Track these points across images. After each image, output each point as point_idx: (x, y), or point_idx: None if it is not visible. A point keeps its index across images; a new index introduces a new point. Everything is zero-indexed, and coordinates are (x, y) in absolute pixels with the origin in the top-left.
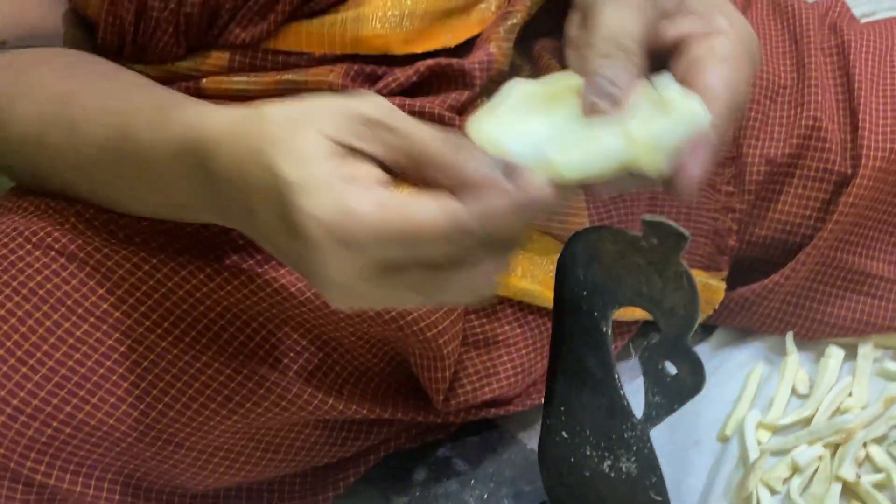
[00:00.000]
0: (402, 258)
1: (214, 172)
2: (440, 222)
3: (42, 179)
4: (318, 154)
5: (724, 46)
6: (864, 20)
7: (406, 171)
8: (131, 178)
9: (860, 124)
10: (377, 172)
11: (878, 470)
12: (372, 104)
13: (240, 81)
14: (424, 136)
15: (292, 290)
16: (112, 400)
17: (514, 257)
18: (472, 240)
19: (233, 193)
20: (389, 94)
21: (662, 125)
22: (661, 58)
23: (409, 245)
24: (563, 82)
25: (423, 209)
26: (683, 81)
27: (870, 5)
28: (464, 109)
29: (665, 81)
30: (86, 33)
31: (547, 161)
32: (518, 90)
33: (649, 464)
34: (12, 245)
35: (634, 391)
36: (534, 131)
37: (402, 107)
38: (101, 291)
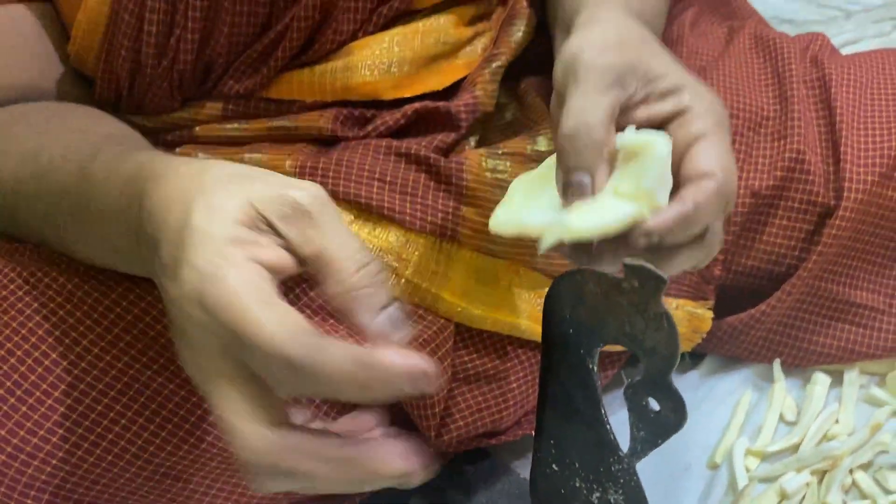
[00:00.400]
0: (230, 349)
1: (146, 207)
2: (278, 336)
3: (24, 236)
4: (234, 214)
5: (698, 125)
6: (848, 47)
7: (311, 267)
8: (84, 221)
9: (842, 156)
10: (278, 258)
11: (864, 496)
12: (310, 195)
13: (232, 128)
14: (346, 246)
15: None
16: (110, 437)
17: None
18: (292, 377)
19: (151, 224)
20: (378, 136)
21: (641, 170)
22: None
23: (238, 338)
24: (550, 167)
25: (276, 315)
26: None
27: (854, 32)
28: (450, 150)
29: (630, 132)
30: (83, 90)
31: (564, 225)
32: (521, 182)
33: (636, 496)
34: (11, 286)
35: (623, 421)
36: (545, 206)
37: (389, 147)
38: (98, 329)
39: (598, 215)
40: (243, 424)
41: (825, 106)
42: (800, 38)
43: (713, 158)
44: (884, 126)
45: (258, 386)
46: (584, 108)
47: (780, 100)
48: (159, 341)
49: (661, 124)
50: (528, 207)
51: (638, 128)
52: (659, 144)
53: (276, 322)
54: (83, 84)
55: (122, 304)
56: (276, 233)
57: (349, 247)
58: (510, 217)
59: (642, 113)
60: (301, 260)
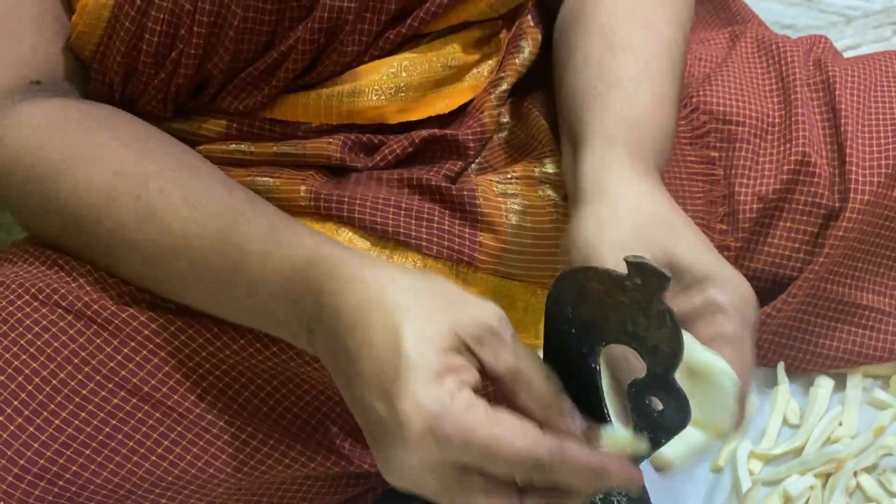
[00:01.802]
0: (473, 465)
1: (327, 305)
2: (519, 445)
3: (75, 250)
4: (442, 344)
5: (724, 329)
6: (849, 52)
7: (500, 383)
8: (216, 281)
9: (847, 158)
10: (477, 377)
11: (868, 499)
12: (496, 316)
13: (236, 150)
14: (532, 361)
15: (297, 349)
16: (117, 458)
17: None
18: (540, 473)
19: (339, 331)
20: (386, 165)
21: (712, 402)
22: None
23: (485, 457)
24: None
25: (510, 429)
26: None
27: (854, 38)
28: (457, 178)
29: (689, 343)
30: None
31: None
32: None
33: (640, 497)
34: (19, 302)
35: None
36: None
37: (401, 179)
38: (108, 350)
39: (680, 443)
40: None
41: (829, 108)
42: (802, 40)
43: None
44: (888, 128)
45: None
46: None
47: (784, 103)
48: (172, 361)
49: (688, 317)
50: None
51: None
52: (726, 378)
53: (518, 437)
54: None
55: (131, 324)
56: (472, 353)
57: (536, 363)
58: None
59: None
60: (488, 376)
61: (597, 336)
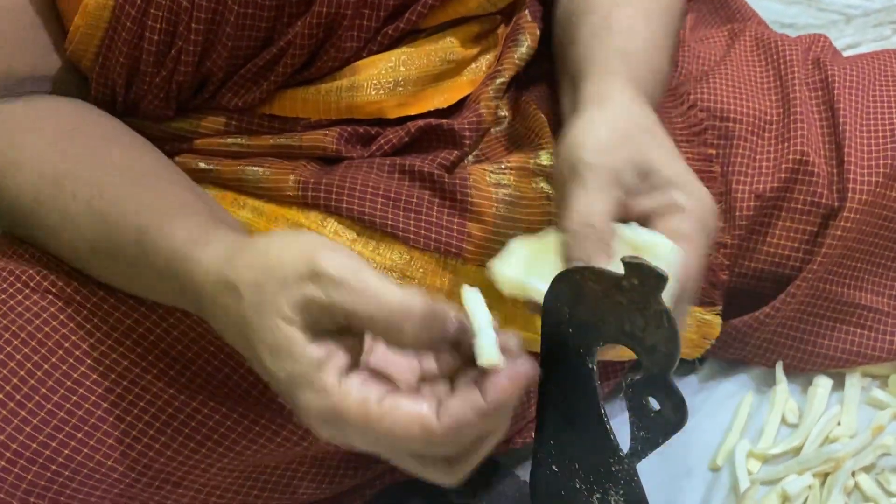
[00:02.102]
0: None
1: (203, 308)
2: (415, 433)
3: (37, 245)
4: (292, 345)
5: (680, 226)
6: (849, 50)
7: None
8: (123, 276)
9: (845, 158)
10: (347, 346)
11: (866, 499)
12: (338, 262)
13: (234, 144)
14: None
15: None
16: (109, 441)
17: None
18: (443, 448)
19: (222, 324)
20: (382, 154)
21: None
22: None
23: (388, 444)
24: (551, 238)
25: (401, 419)
26: None
27: (854, 37)
28: (453, 167)
29: (634, 228)
30: (82, 82)
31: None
32: (522, 244)
33: (637, 497)
34: (10, 290)
35: (625, 422)
36: (546, 274)
37: (393, 165)
38: (98, 335)
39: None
40: None
41: (828, 108)
42: (801, 39)
43: (679, 262)
44: (887, 127)
45: None
46: (587, 208)
47: (782, 102)
48: (159, 346)
49: (648, 216)
50: (531, 273)
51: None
52: (668, 250)
53: (412, 419)
54: (83, 77)
55: (120, 308)
56: (326, 306)
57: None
58: (514, 277)
59: (635, 205)
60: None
61: (594, 336)
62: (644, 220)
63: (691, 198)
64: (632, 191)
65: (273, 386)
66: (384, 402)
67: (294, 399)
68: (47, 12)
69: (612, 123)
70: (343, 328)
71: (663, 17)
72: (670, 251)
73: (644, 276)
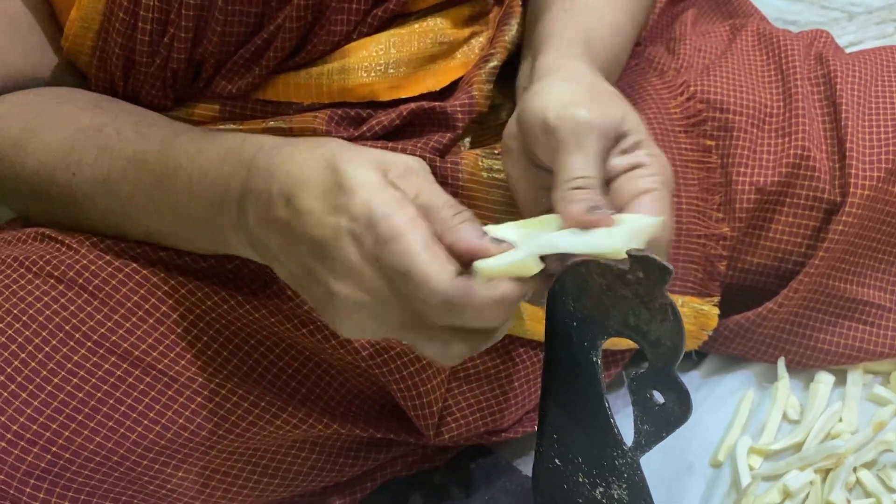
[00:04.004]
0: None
1: (259, 168)
2: (439, 281)
3: (47, 209)
4: (375, 168)
5: (647, 183)
6: (851, 48)
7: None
8: (158, 187)
9: (847, 153)
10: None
11: (868, 495)
12: (417, 161)
13: (227, 129)
14: (441, 197)
15: (287, 313)
16: (110, 423)
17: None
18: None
19: (273, 185)
20: (373, 136)
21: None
22: None
23: (410, 282)
24: (536, 223)
25: (436, 260)
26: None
27: (857, 34)
28: (446, 151)
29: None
30: (79, 80)
31: (553, 244)
32: (508, 227)
33: (640, 491)
34: (14, 275)
35: (628, 415)
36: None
37: (383, 147)
38: (98, 316)
39: (585, 239)
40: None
41: (830, 103)
42: (803, 35)
43: (649, 212)
44: (889, 122)
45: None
46: (581, 170)
47: (784, 97)
48: (160, 328)
49: (616, 176)
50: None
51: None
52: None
53: (438, 269)
54: (79, 75)
55: (121, 290)
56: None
57: (444, 198)
58: (496, 264)
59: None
60: None
61: (598, 329)
62: (613, 182)
63: (655, 157)
64: (607, 151)
65: (310, 240)
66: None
67: (351, 206)
68: (43, 13)
69: (578, 87)
70: None
71: (627, 5)
72: (651, 223)
73: (649, 270)
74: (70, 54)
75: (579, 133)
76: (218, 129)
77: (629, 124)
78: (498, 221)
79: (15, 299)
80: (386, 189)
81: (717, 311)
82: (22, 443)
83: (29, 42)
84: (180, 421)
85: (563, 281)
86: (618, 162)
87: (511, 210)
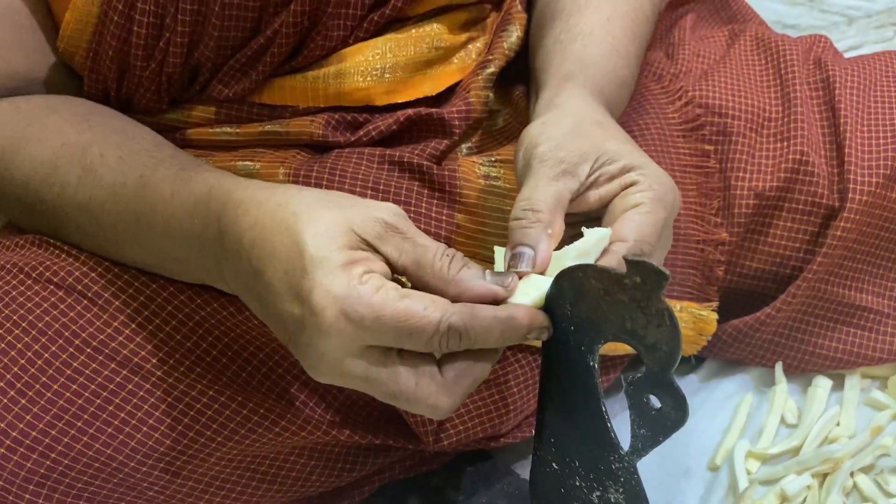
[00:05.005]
0: (390, 343)
1: (227, 231)
2: (431, 315)
3: (37, 224)
4: (342, 240)
5: (633, 199)
6: (851, 52)
7: (408, 274)
8: (138, 224)
9: (846, 158)
10: (385, 268)
11: (865, 499)
12: (391, 212)
13: (223, 132)
14: (430, 248)
15: None
16: (109, 430)
17: (486, 372)
18: (455, 338)
19: (242, 253)
20: (370, 141)
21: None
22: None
23: (401, 332)
24: None
25: (419, 302)
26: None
27: (856, 38)
28: (443, 157)
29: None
30: (76, 82)
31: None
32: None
33: (637, 495)
34: (14, 281)
35: (625, 420)
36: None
37: (382, 156)
38: (98, 323)
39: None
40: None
41: (829, 108)
42: (802, 39)
43: (634, 226)
44: (888, 128)
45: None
46: (532, 195)
47: (783, 101)
48: (159, 335)
49: (609, 200)
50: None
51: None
52: (592, 232)
53: (428, 307)
54: (74, 76)
55: (120, 297)
56: (375, 250)
57: (433, 248)
58: None
59: (594, 195)
60: (394, 268)
61: (595, 334)
62: (604, 207)
63: (648, 176)
64: (586, 182)
65: (280, 317)
66: (401, 290)
67: (310, 295)
68: (41, 14)
69: (564, 120)
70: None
71: (626, 22)
72: (601, 234)
73: (646, 274)
74: (65, 56)
75: (534, 166)
76: (193, 160)
77: (614, 149)
78: (495, 228)
79: (14, 305)
80: (345, 273)
81: (715, 316)
82: (21, 448)
83: (30, 43)
84: (179, 427)
85: (560, 285)
86: (609, 188)
87: (507, 216)
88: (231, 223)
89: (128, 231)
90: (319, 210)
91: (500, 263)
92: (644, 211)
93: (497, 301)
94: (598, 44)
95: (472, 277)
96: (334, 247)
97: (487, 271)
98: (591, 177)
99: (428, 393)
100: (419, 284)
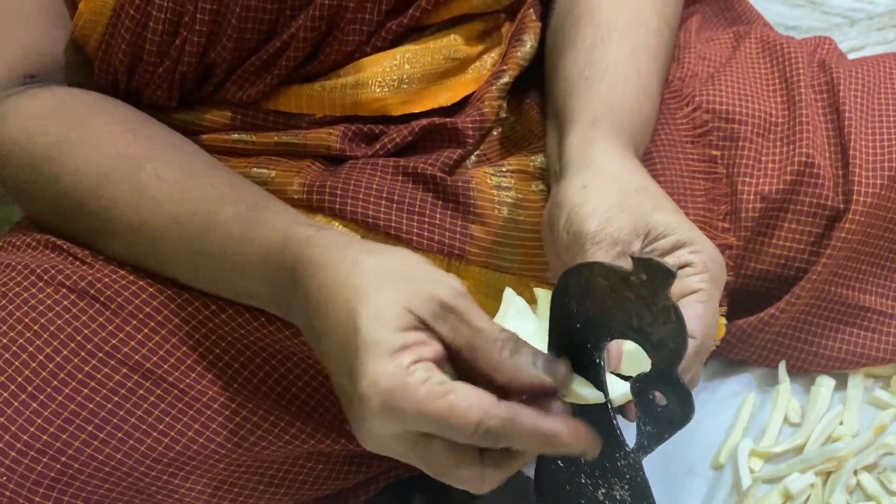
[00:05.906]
0: (434, 433)
1: (299, 283)
2: (472, 416)
3: (70, 228)
4: (396, 322)
5: (693, 284)
6: (853, 54)
7: (462, 356)
8: (200, 257)
9: (851, 160)
10: (437, 350)
11: (868, 498)
12: (452, 291)
13: (238, 140)
14: (485, 332)
15: (295, 328)
16: (120, 434)
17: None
18: (494, 440)
19: (309, 310)
20: (385, 153)
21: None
22: None
23: (441, 427)
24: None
25: (463, 400)
26: None
27: (858, 40)
28: (456, 167)
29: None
30: (90, 66)
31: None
32: (514, 299)
33: (642, 492)
34: (25, 283)
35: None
36: (535, 339)
37: (396, 167)
38: (110, 327)
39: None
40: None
41: (833, 110)
42: (807, 41)
43: (699, 319)
44: (892, 130)
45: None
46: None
47: (788, 104)
48: (171, 339)
49: None
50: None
51: None
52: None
53: (470, 404)
54: (86, 62)
55: (133, 301)
56: (430, 329)
57: (489, 331)
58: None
59: None
60: (449, 348)
61: (602, 331)
62: None
63: (701, 255)
64: (630, 252)
65: (337, 381)
66: (447, 384)
67: (358, 380)
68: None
69: (607, 186)
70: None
71: (649, 55)
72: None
73: (652, 272)
74: (79, 41)
75: (588, 248)
76: (256, 193)
77: (664, 223)
78: (508, 239)
79: (26, 308)
80: (393, 362)
81: (724, 321)
82: (32, 452)
83: (50, 28)
84: (189, 434)
85: (566, 282)
86: None
87: (520, 227)
88: (302, 277)
89: (188, 259)
90: (379, 288)
91: (542, 306)
92: (704, 299)
93: (546, 391)
94: (624, 83)
95: (523, 366)
96: (387, 330)
97: (540, 357)
98: (643, 250)
99: (468, 475)
100: (472, 367)
